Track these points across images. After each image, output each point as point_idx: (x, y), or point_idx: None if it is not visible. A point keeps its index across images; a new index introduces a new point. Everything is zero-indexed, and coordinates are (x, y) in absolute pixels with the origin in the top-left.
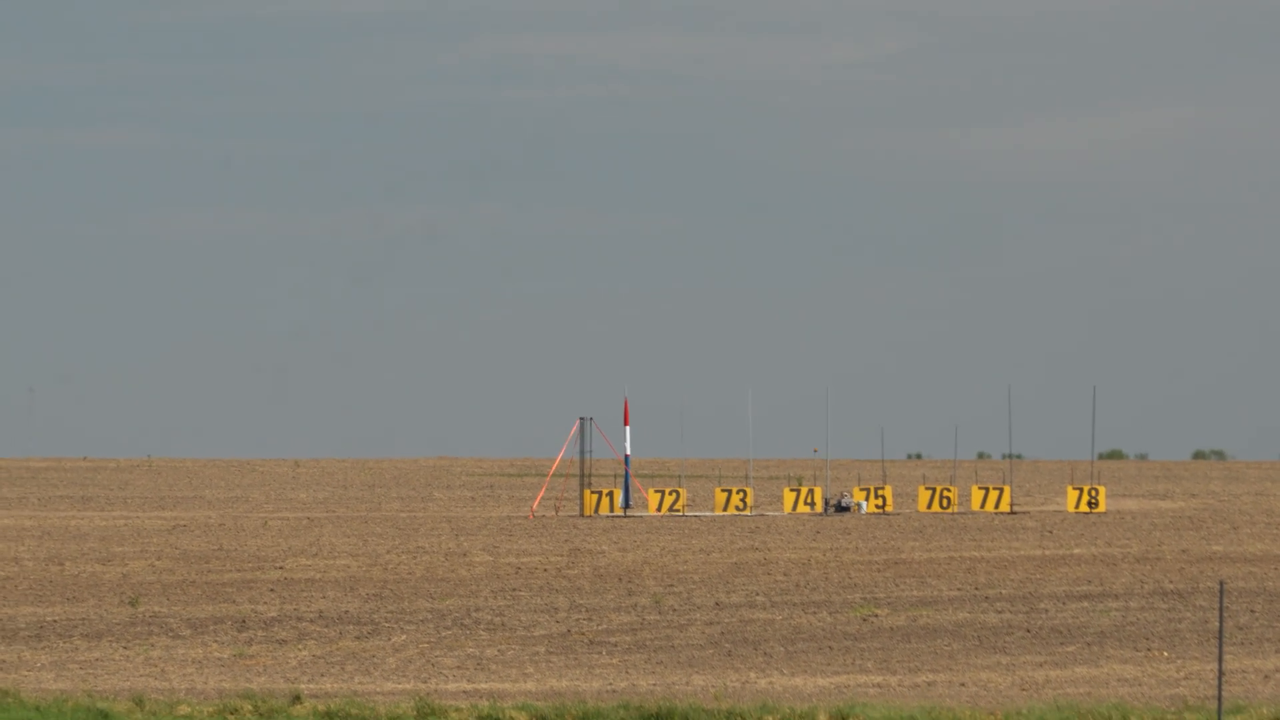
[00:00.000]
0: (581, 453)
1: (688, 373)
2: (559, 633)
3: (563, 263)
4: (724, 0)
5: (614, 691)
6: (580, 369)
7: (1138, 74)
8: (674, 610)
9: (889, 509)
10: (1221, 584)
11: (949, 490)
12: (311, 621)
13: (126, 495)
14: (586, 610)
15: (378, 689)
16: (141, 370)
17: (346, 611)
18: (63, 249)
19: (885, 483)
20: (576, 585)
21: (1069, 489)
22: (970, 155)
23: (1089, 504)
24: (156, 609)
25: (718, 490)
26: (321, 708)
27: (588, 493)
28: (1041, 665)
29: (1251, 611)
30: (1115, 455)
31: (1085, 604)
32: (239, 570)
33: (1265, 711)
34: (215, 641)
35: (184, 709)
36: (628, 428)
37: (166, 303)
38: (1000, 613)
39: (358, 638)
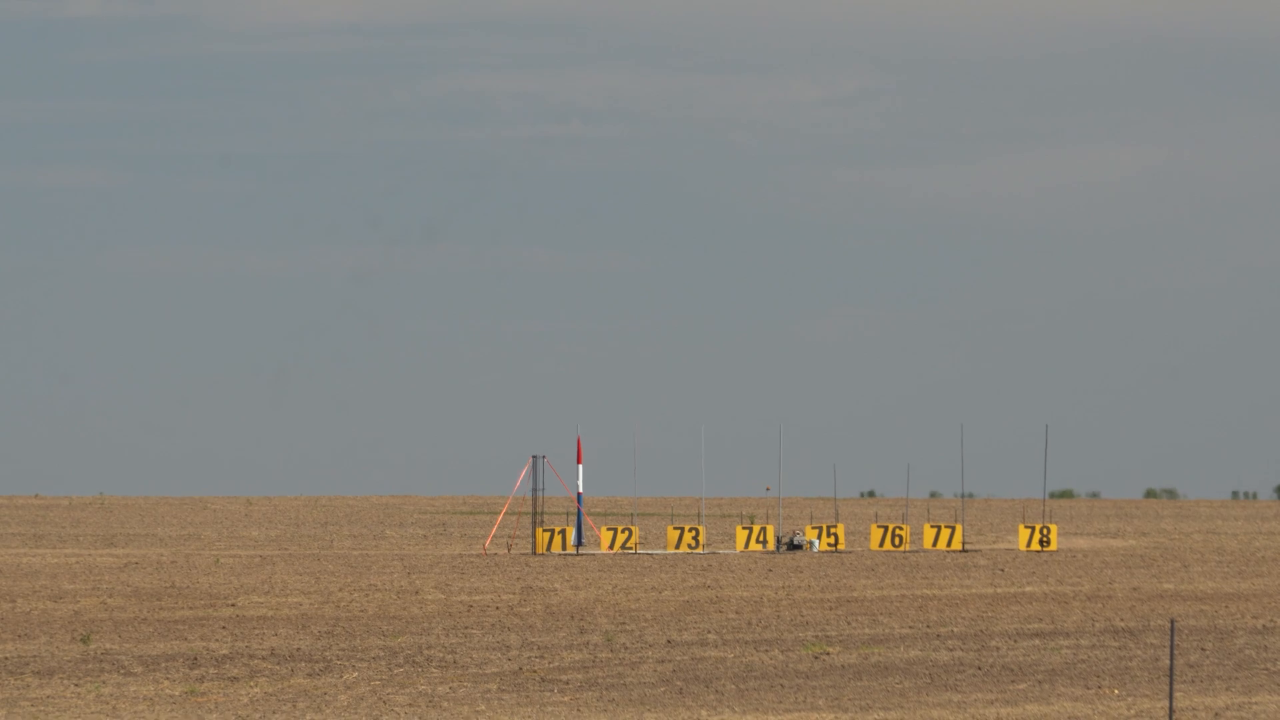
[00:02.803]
0: (534, 491)
1: (640, 411)
2: (511, 670)
3: (516, 301)
4: (685, 39)
5: None
6: (533, 407)
7: (1092, 115)
8: (626, 648)
9: (841, 547)
10: (1173, 622)
11: (901, 528)
12: (264, 659)
13: (78, 533)
14: (538, 648)
15: None
16: (93, 408)
17: (298, 649)
18: (12, 285)
19: (837, 521)
20: (529, 623)
21: (1021, 527)
22: (923, 195)
23: (1041, 542)
24: (108, 646)
25: (670, 528)
26: None
27: (540, 531)
28: (992, 703)
29: (1202, 649)
30: (1067, 494)
31: (1036, 642)
32: (191, 608)
33: None
34: (167, 679)
35: None
36: (580, 466)
37: (117, 340)
38: (952, 650)
39: (310, 675)
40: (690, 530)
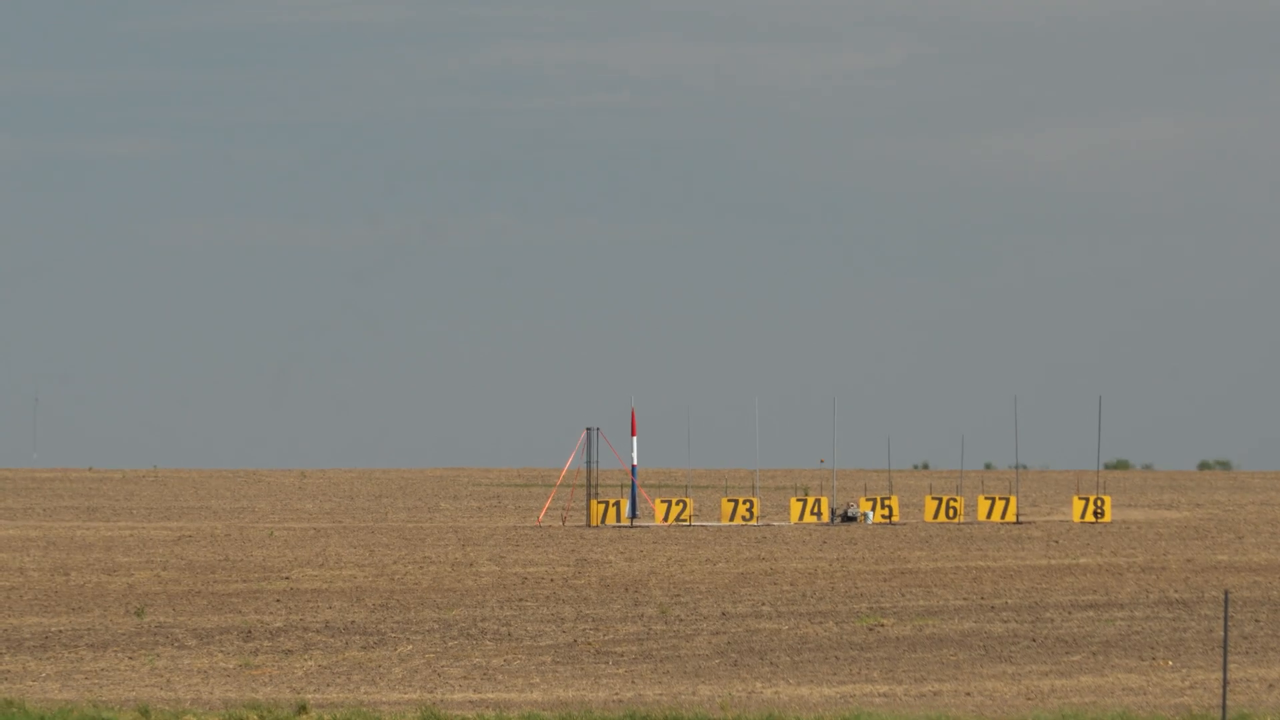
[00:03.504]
0: (588, 463)
1: (694, 383)
2: (565, 643)
3: (570, 272)
4: (733, 8)
5: (620, 701)
6: (587, 379)
7: (1144, 81)
8: (680, 620)
9: (895, 519)
10: (1226, 593)
11: (955, 500)
12: (317, 632)
13: (132, 506)
14: (593, 620)
15: (383, 699)
16: (147, 381)
17: (352, 622)
18: (67, 259)
19: (891, 493)
20: (583, 595)
21: (1075, 499)
22: (976, 163)
23: (1094, 514)
24: (162, 619)
25: (724, 500)
26: (327, 718)
27: (594, 503)
28: (1047, 674)
29: (1256, 621)
30: (1121, 465)
31: (1091, 613)
32: (245, 581)
33: None
34: (221, 652)
35: (190, 719)
36: (634, 438)
37: (171, 312)
38: (1006, 622)
39: (364, 648)
40: (745, 502)
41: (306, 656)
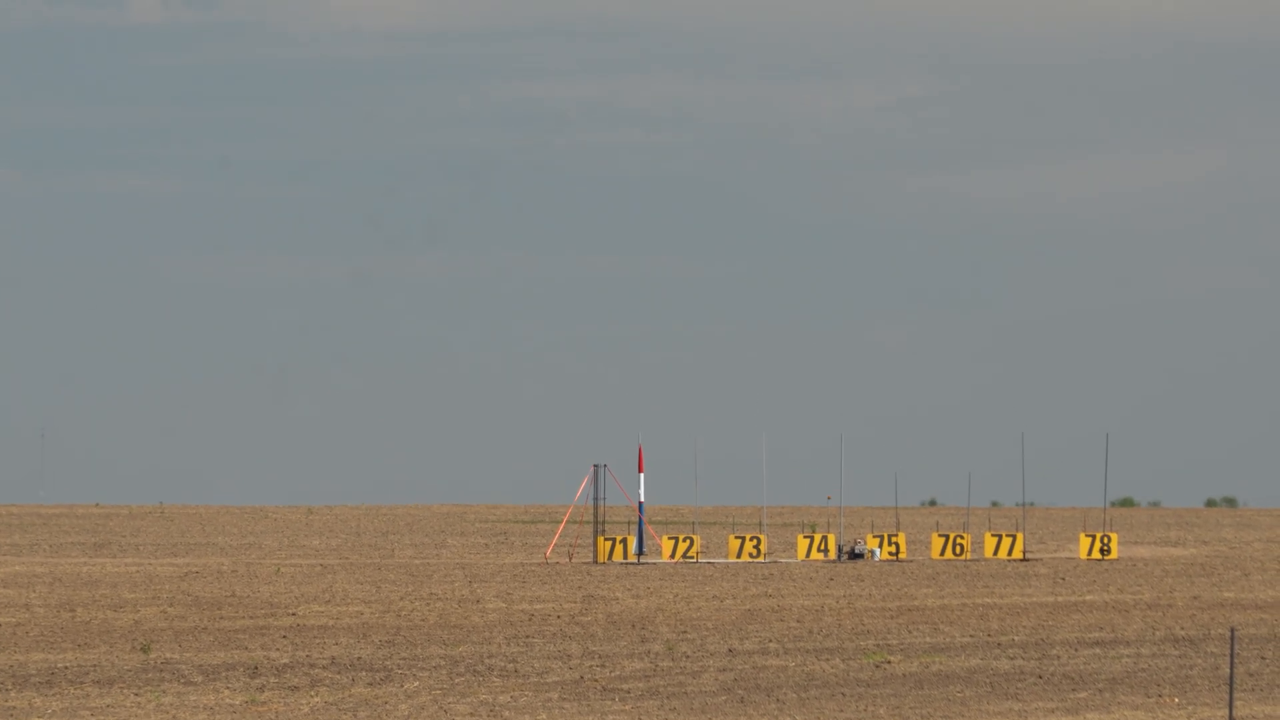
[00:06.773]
0: (595, 499)
1: (701, 419)
2: (572, 679)
3: (578, 308)
4: (744, 43)
5: None
6: (594, 416)
7: (1155, 120)
8: (687, 657)
9: (902, 556)
10: (1233, 631)
11: (962, 537)
12: (324, 668)
13: (138, 542)
14: (600, 657)
15: None
16: (153, 417)
17: (359, 658)
18: (73, 294)
19: (899, 530)
20: (590, 632)
21: (1081, 536)
22: (985, 200)
23: (1101, 551)
24: (168, 655)
25: (731, 537)
26: None
27: (601, 539)
28: (1053, 711)
29: (1262, 658)
30: (1128, 503)
31: (1097, 650)
32: (251, 617)
33: None
34: (227, 688)
35: None
36: (641, 474)
37: (178, 348)
38: (1012, 659)
39: (370, 684)
40: (751, 539)
41: (313, 693)
